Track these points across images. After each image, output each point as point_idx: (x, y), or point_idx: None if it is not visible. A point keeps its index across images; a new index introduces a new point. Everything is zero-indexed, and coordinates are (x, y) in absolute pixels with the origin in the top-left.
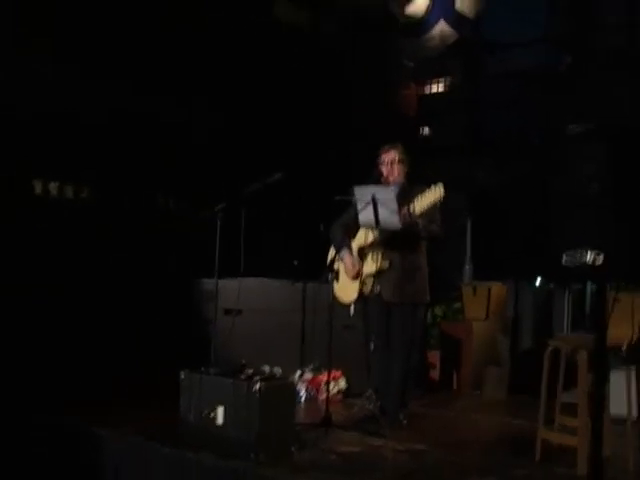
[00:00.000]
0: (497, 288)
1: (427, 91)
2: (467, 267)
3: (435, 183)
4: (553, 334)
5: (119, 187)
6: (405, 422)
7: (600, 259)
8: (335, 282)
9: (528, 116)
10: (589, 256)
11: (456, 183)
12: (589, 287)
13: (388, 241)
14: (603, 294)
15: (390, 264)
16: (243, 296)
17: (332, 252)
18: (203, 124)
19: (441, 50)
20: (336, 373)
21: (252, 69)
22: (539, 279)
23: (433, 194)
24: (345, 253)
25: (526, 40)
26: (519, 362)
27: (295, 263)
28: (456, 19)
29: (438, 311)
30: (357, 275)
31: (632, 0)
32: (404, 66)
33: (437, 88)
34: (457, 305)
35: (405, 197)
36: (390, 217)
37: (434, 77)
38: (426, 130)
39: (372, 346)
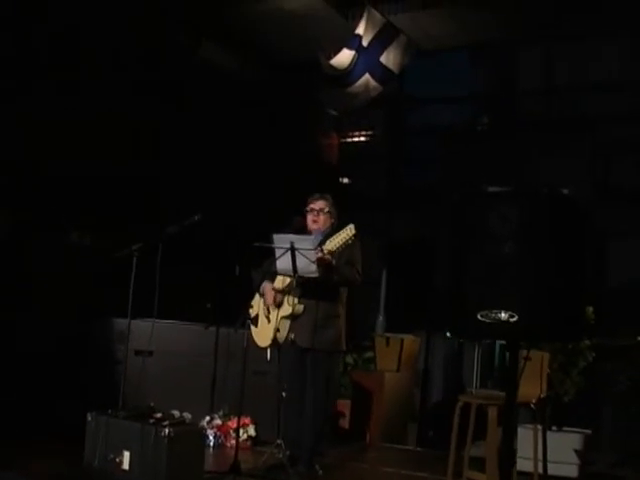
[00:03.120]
0: (409, 341)
1: (349, 141)
2: (380, 317)
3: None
4: (463, 388)
5: (33, 222)
6: (320, 472)
7: (514, 318)
8: (254, 326)
9: (446, 172)
10: (503, 315)
11: (373, 233)
12: (498, 343)
13: (305, 287)
14: (515, 352)
15: (305, 309)
16: (154, 338)
17: (255, 297)
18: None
19: (365, 102)
20: (245, 420)
21: (178, 110)
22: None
23: (344, 234)
24: (266, 283)
25: (448, 98)
26: (429, 415)
27: (208, 306)
28: (381, 73)
29: (349, 359)
30: (275, 301)
31: (550, 67)
32: (327, 115)
33: (359, 139)
34: (368, 354)
35: (322, 244)
36: (308, 266)
37: (356, 128)
38: (345, 179)
39: (284, 394)
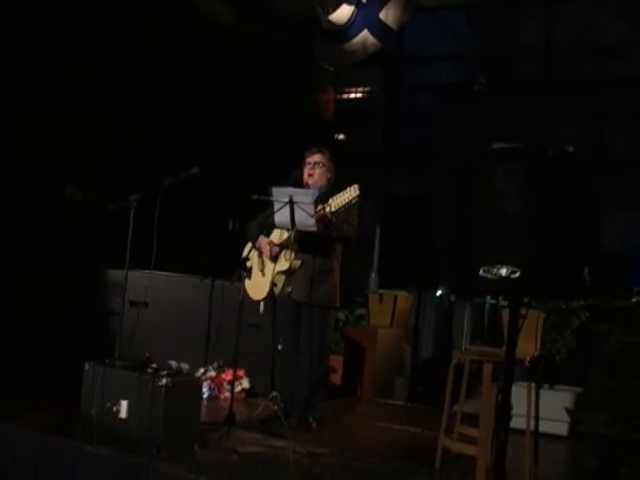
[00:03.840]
0: (403, 298)
1: (345, 98)
2: (373, 274)
3: (351, 183)
4: (453, 345)
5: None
6: (314, 425)
7: (516, 274)
8: (247, 279)
9: (443, 130)
10: (505, 271)
11: (368, 190)
12: (487, 303)
13: (302, 241)
14: (516, 309)
15: (302, 264)
16: (150, 289)
17: (247, 249)
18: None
19: (362, 59)
20: (239, 372)
21: (175, 61)
22: (440, 290)
23: (348, 193)
24: (261, 238)
25: (447, 56)
26: (419, 371)
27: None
28: (380, 29)
29: (341, 316)
30: (272, 254)
31: (549, 28)
32: (325, 71)
33: (356, 95)
34: (360, 311)
35: (325, 201)
36: (306, 220)
37: (353, 85)
38: (341, 136)
39: (280, 347)
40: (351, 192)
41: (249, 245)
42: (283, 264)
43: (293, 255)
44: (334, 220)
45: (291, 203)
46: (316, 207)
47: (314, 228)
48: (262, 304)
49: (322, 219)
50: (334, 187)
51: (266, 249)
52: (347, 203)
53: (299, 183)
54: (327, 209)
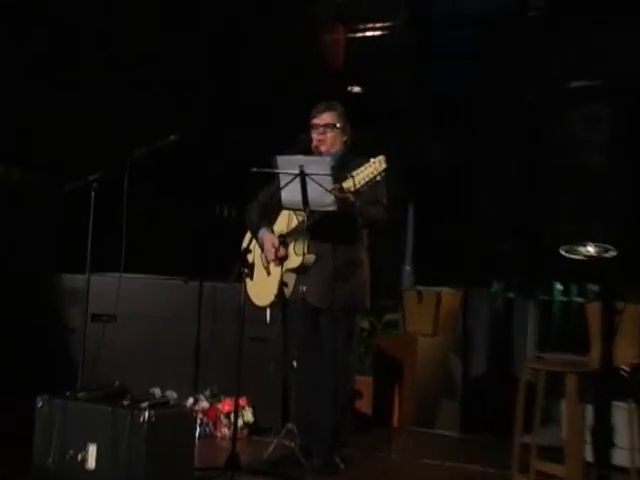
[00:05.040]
0: (448, 296)
1: (359, 36)
2: (407, 267)
3: (374, 155)
4: (513, 355)
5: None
6: (342, 466)
7: (609, 254)
8: (248, 279)
9: (487, 73)
10: (592, 249)
11: (395, 157)
12: (557, 299)
13: (317, 228)
14: (611, 301)
15: (317, 258)
16: (119, 298)
17: (247, 240)
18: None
19: None
20: (241, 401)
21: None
22: (494, 285)
23: (372, 168)
24: (264, 231)
25: None
26: (471, 392)
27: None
28: None
29: (364, 323)
30: (277, 257)
31: None
32: (329, 2)
33: (372, 33)
34: (390, 317)
35: (342, 172)
36: (323, 196)
37: (368, 19)
38: (356, 88)
39: (295, 364)
40: (376, 165)
41: (249, 234)
42: (294, 260)
43: (306, 248)
44: (358, 203)
45: (302, 175)
46: (334, 179)
47: (333, 207)
48: (269, 311)
49: (342, 202)
50: (353, 152)
51: (271, 250)
52: (371, 180)
53: (310, 150)
54: (346, 187)
